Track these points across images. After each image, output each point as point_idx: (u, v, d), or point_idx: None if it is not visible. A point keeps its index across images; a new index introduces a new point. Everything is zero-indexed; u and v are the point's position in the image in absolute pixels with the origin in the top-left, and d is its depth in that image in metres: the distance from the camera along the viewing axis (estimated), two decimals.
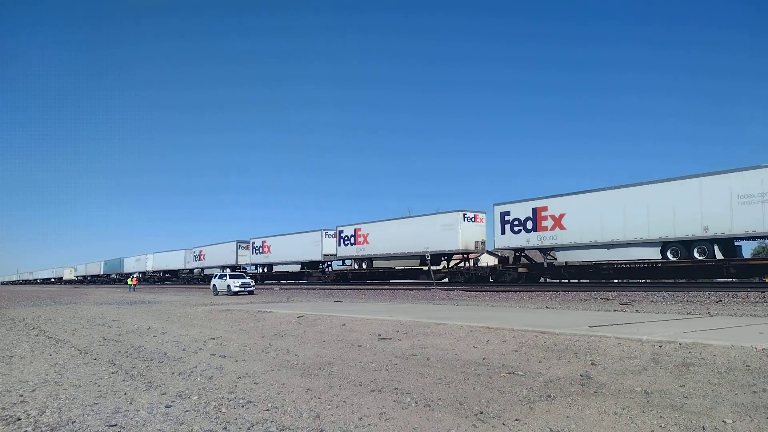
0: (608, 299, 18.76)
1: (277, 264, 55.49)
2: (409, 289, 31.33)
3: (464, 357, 7.51)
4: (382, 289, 33.76)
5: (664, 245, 24.80)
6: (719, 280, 25.29)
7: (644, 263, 25.89)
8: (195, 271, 68.68)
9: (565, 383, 5.71)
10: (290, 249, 50.99)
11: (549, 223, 29.18)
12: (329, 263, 48.87)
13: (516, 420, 4.48)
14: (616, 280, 29.68)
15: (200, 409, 5.12)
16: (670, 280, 27.89)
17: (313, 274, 50.69)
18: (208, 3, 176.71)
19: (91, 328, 13.60)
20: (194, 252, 67.49)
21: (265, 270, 57.01)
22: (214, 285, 36.39)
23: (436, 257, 36.62)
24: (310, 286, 43.85)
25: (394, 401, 5.23)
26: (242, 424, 4.57)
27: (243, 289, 33.70)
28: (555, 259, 31.13)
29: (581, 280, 30.92)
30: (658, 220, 24.44)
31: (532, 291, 24.61)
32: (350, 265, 47.15)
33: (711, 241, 23.28)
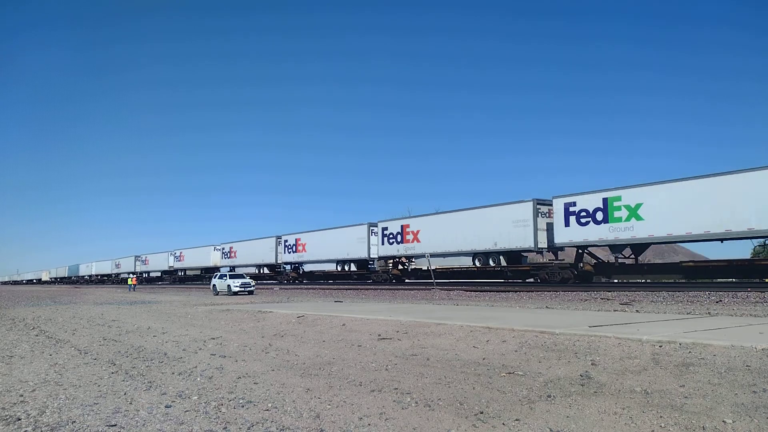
0: (608, 299, 18.75)
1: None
2: (409, 289, 31.32)
3: (464, 357, 7.51)
4: (382, 289, 33.75)
5: (474, 255, 34.20)
6: (710, 281, 26.79)
7: (467, 268, 35.81)
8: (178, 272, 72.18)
9: (565, 383, 5.70)
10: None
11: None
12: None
13: (516, 420, 4.48)
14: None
15: (200, 409, 5.12)
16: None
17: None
18: (208, 3, 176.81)
19: (91, 328, 13.60)
20: (174, 254, 71.56)
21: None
22: (214, 285, 36.39)
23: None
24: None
25: (394, 401, 5.23)
26: (242, 424, 4.57)
27: (243, 289, 33.71)
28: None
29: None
30: (472, 237, 33.50)
31: (532, 291, 24.62)
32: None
33: (499, 253, 32.44)
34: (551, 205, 29.42)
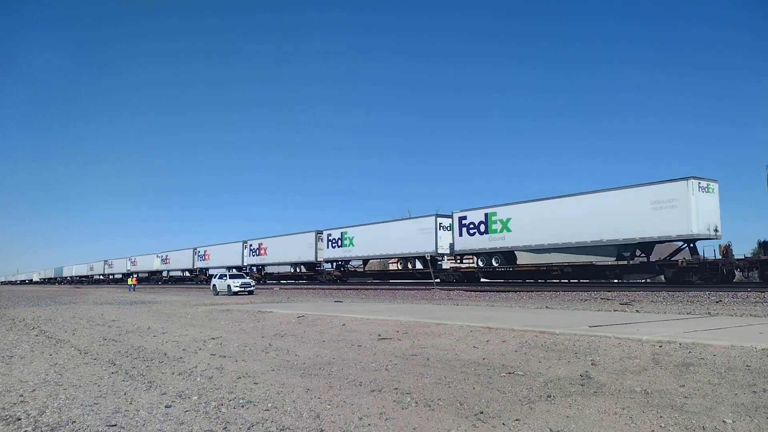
0: (608, 299, 18.76)
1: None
2: (409, 289, 31.33)
3: (464, 357, 7.51)
4: (382, 289, 33.75)
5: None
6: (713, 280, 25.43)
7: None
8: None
9: (565, 383, 5.71)
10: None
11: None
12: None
13: (516, 420, 4.49)
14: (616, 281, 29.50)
15: (200, 409, 5.12)
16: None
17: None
18: (208, 3, 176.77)
19: (91, 328, 13.60)
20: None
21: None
22: (214, 285, 36.38)
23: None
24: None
25: (394, 401, 5.23)
26: (242, 424, 4.57)
27: (243, 289, 33.71)
28: None
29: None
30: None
31: (532, 291, 24.62)
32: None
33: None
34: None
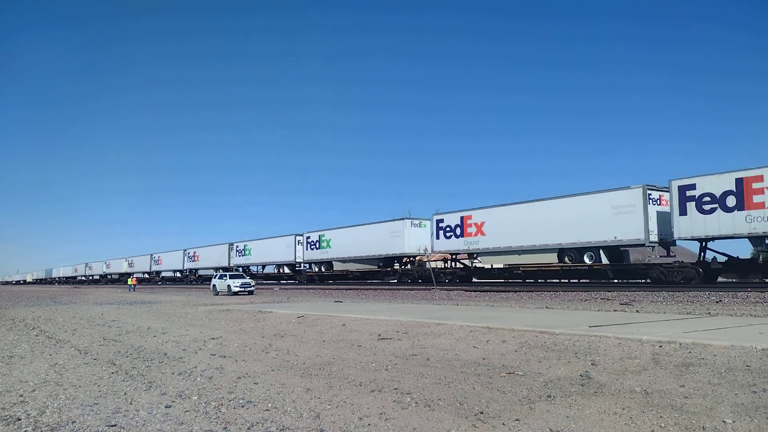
0: (608, 299, 18.75)
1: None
2: (409, 289, 31.33)
3: (464, 357, 7.51)
4: (382, 289, 33.75)
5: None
6: (720, 280, 26.17)
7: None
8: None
9: (565, 383, 5.71)
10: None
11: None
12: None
13: (516, 420, 4.48)
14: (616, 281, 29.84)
15: (200, 409, 5.12)
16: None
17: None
18: (208, 3, 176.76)
19: (91, 328, 13.60)
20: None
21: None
22: (214, 285, 36.37)
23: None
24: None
25: (394, 401, 5.23)
26: (242, 424, 4.57)
27: (243, 289, 33.70)
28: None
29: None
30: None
31: (532, 291, 24.62)
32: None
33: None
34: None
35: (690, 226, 23.44)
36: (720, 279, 25.57)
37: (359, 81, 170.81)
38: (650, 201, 25.43)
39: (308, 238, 48.95)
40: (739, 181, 21.93)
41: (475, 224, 33.60)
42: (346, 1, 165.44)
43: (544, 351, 7.59)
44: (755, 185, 21.52)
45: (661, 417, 4.40)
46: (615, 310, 14.14)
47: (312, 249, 48.45)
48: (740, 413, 4.38)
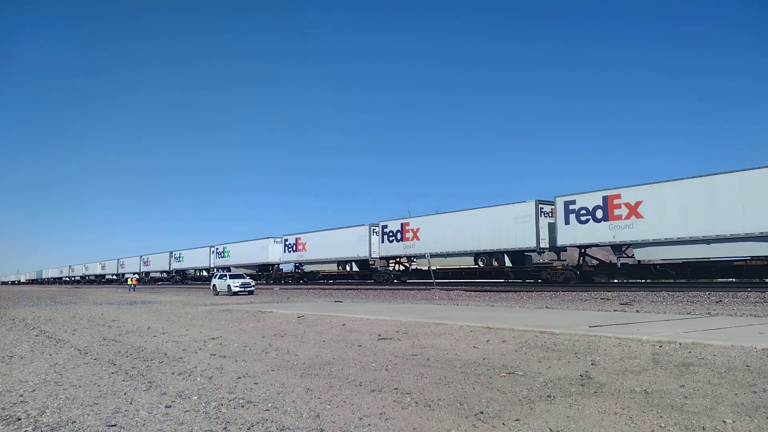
0: (608, 299, 18.75)
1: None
2: (410, 289, 31.33)
3: (464, 357, 7.51)
4: (382, 289, 33.76)
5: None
6: (719, 280, 26.90)
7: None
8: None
9: (565, 383, 5.71)
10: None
11: None
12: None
13: (516, 420, 4.48)
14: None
15: (200, 409, 5.12)
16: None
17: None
18: (208, 3, 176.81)
19: (91, 328, 13.60)
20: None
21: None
22: (214, 285, 36.38)
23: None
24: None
25: (394, 401, 5.23)
26: (242, 424, 4.57)
27: (243, 289, 33.70)
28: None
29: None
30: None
31: (532, 291, 24.63)
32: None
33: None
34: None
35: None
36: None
37: (359, 81, 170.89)
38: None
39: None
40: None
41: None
42: (347, 1, 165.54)
43: (544, 351, 7.58)
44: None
45: (661, 417, 4.40)
46: (615, 310, 14.14)
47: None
48: (740, 413, 4.38)
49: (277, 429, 4.44)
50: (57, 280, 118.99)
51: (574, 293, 22.18)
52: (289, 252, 51.01)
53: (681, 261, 24.23)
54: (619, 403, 4.84)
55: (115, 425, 4.65)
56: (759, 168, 21.37)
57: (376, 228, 40.98)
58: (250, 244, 57.07)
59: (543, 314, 13.06)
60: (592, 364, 6.56)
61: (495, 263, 31.92)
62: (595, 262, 29.12)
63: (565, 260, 31.09)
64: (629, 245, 25.46)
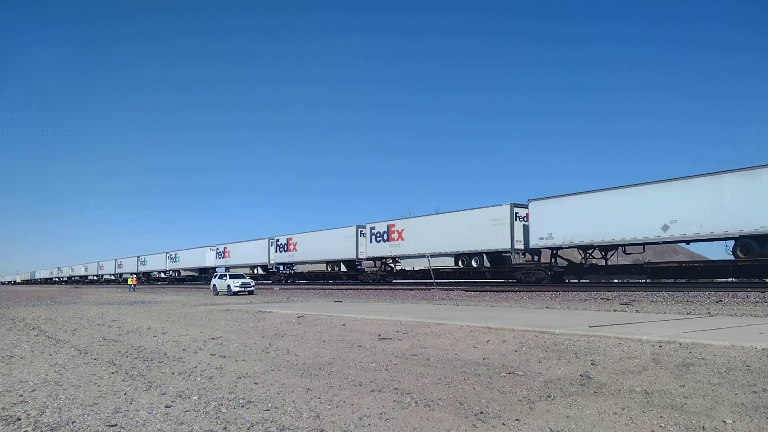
0: (608, 299, 18.75)
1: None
2: (409, 289, 31.34)
3: (464, 357, 7.51)
4: (381, 289, 33.76)
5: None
6: (719, 279, 27.20)
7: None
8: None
9: (565, 383, 5.70)
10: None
11: None
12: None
13: (516, 420, 4.48)
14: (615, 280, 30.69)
15: (200, 409, 5.12)
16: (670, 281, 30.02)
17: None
18: (208, 3, 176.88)
19: (91, 328, 13.60)
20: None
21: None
22: (214, 285, 36.37)
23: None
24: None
25: (394, 401, 5.23)
26: (242, 424, 4.57)
27: (243, 289, 33.70)
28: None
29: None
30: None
31: (532, 291, 24.63)
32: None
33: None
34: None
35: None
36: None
37: (359, 81, 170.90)
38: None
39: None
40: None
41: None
42: (347, 2, 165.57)
43: (544, 351, 7.58)
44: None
45: (661, 417, 4.40)
46: (615, 310, 14.14)
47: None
48: (740, 413, 4.38)
49: (277, 429, 4.44)
50: (47, 281, 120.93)
51: (574, 293, 22.18)
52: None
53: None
54: (619, 403, 4.84)
55: (115, 425, 4.65)
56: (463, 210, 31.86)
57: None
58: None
59: (543, 314, 13.06)
60: (592, 364, 6.56)
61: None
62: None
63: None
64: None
